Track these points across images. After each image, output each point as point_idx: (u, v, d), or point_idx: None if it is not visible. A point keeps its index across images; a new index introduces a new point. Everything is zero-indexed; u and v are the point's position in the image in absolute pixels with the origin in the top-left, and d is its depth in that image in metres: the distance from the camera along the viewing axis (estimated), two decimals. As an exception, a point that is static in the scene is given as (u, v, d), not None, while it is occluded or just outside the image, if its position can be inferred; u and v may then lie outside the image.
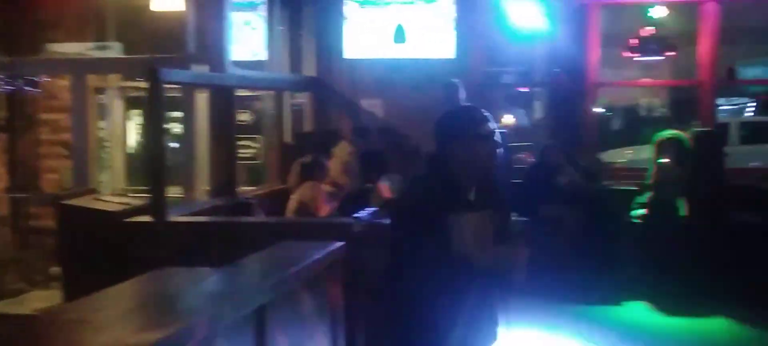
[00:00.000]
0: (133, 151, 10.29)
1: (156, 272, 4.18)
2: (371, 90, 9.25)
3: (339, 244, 4.57)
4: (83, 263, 6.00)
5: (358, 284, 5.39)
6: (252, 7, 8.87)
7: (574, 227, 8.04)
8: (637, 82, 15.68)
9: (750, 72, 17.08)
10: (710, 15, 8.78)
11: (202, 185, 7.65)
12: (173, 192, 7.46)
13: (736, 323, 7.11)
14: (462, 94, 8.20)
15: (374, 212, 6.34)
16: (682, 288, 7.49)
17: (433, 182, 3.56)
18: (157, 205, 6.04)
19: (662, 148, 8.15)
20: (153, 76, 5.98)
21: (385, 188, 7.09)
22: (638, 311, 7.51)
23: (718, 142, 8.54)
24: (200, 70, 7.47)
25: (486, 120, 3.53)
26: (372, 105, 9.23)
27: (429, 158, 3.69)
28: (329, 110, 9.31)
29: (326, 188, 7.28)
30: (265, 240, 4.63)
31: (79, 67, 8.45)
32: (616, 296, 7.72)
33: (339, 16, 9.10)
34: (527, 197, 7.83)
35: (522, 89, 15.79)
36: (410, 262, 3.46)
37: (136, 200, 7.10)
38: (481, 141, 3.48)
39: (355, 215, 5.95)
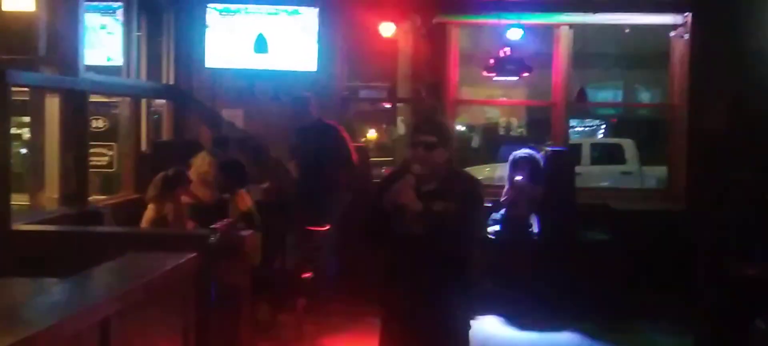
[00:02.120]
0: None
1: (-5, 283, 3.99)
2: (232, 100, 9.12)
3: (192, 255, 4.45)
4: None
5: (212, 295, 5.30)
6: (109, 10, 8.58)
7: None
8: (495, 100, 16.10)
9: (600, 95, 17.83)
10: (563, 39, 9.09)
11: (52, 193, 7.33)
12: (19, 200, 7.14)
13: (583, 337, 7.36)
14: (313, 107, 8.20)
15: (231, 223, 6.25)
16: (534, 303, 7.70)
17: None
18: (0, 212, 5.75)
19: (517, 166, 8.37)
20: (-1, 77, 5.71)
21: (244, 198, 7.00)
22: (492, 325, 7.66)
23: (570, 161, 8.83)
24: (51, 73, 7.17)
25: None
26: (233, 115, 9.10)
27: None
28: (188, 119, 9.12)
29: (186, 199, 7.12)
30: (117, 251, 4.48)
31: None
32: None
33: (200, 24, 8.93)
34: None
35: (385, 105, 15.96)
36: None
37: (-23, 207, 6.73)
38: None
39: (212, 226, 5.84)
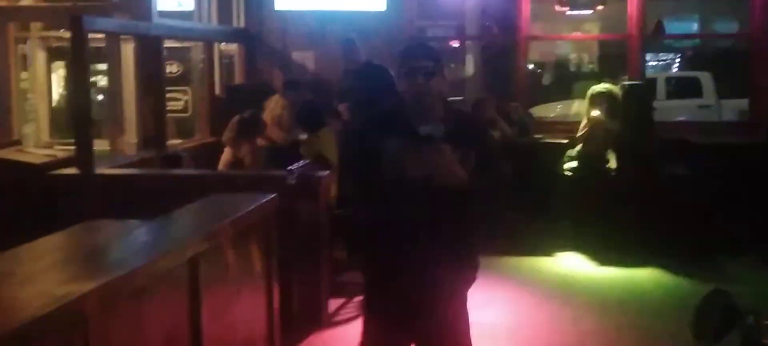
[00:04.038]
0: (57, 103, 10.01)
1: (84, 225, 4.07)
2: (303, 42, 9.13)
3: (271, 196, 4.51)
4: (7, 216, 5.81)
5: (291, 235, 5.35)
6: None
7: (508, 180, 8.07)
8: (568, 36, 15.81)
9: (675, 27, 17.38)
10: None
11: (130, 138, 7.48)
12: (100, 145, 7.29)
13: (664, 272, 7.25)
14: (360, 51, 8.12)
15: (307, 164, 6.28)
16: (613, 239, 7.60)
17: (373, 116, 3.78)
18: (84, 157, 5.87)
19: (594, 101, 8.21)
20: (76, 24, 5.79)
21: (324, 140, 7.02)
22: (570, 262, 7.61)
23: (647, 96, 8.64)
24: (126, 20, 7.27)
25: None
26: (304, 57, 9.11)
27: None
28: (260, 63, 9.16)
29: (261, 142, 7.19)
30: (196, 193, 4.55)
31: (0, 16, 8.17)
32: (548, 247, 7.80)
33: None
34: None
35: (454, 43, 15.83)
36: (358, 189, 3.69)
37: (61, 152, 6.91)
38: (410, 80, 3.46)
39: (288, 167, 5.88)
